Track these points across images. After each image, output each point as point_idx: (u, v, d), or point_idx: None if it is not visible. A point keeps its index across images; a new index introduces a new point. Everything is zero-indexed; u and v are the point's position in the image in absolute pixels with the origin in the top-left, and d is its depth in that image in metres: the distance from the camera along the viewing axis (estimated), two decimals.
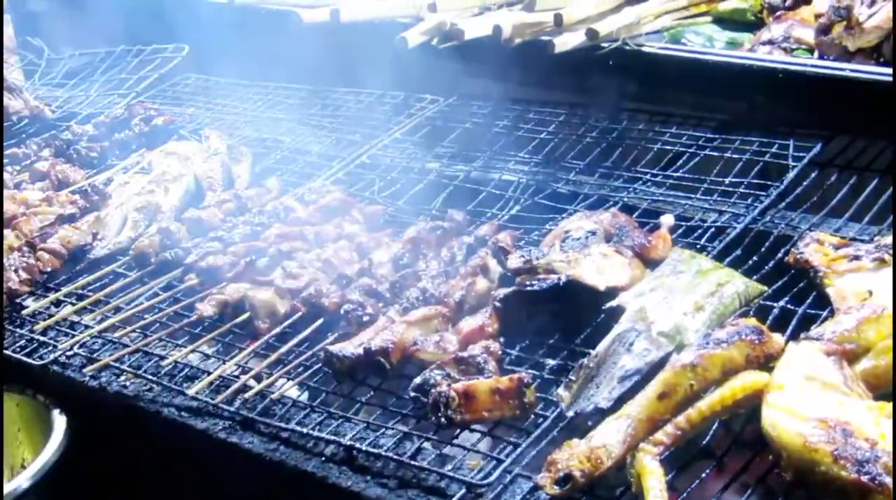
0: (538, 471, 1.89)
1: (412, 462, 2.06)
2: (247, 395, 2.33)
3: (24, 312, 2.78)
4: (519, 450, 2.02)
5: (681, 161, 3.07)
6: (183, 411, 2.37)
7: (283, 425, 2.24)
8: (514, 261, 2.48)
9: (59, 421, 2.47)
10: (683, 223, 2.72)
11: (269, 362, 2.42)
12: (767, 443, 1.82)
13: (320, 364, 2.35)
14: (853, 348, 1.95)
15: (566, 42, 3.33)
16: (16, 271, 2.88)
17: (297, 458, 2.18)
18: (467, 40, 3.45)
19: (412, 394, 2.16)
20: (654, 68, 3.34)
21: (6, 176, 3.48)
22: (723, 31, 3.67)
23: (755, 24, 3.64)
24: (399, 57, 3.54)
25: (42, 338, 2.66)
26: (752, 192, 2.82)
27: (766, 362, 1.99)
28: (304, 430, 2.20)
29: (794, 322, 2.23)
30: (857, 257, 2.32)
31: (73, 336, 2.63)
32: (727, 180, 2.90)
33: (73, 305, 2.78)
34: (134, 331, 2.62)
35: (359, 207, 3.01)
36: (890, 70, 2.92)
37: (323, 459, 2.16)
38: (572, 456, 1.86)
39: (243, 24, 4.17)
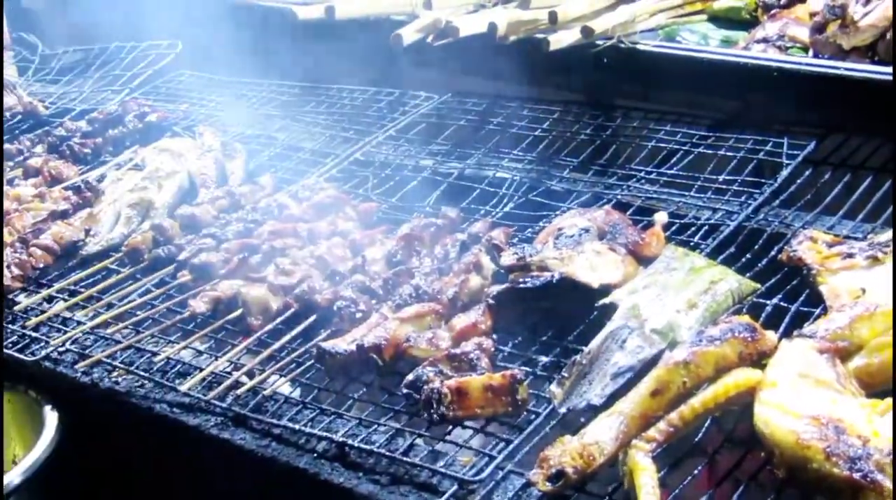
0: (530, 468, 1.89)
1: (404, 459, 2.06)
2: (239, 391, 2.33)
3: (16, 308, 2.78)
4: (511, 447, 2.01)
5: (675, 159, 3.07)
6: (175, 407, 2.37)
7: (275, 421, 2.24)
8: (508, 258, 2.48)
9: (51, 417, 2.47)
10: (677, 221, 2.71)
11: (262, 358, 2.42)
12: (760, 440, 1.82)
13: (313, 361, 2.34)
14: (846, 346, 1.94)
15: (561, 40, 3.32)
16: (8, 267, 2.88)
17: (290, 454, 2.17)
18: (462, 38, 3.44)
19: (405, 391, 2.16)
20: (649, 66, 3.34)
21: None
22: (717, 30, 3.67)
23: (750, 23, 3.64)
24: (394, 54, 3.54)
25: (34, 334, 2.66)
26: (745, 189, 2.82)
27: (758, 360, 1.98)
28: (297, 426, 2.20)
29: (787, 320, 2.23)
30: (850, 255, 2.31)
31: (66, 332, 2.63)
32: (721, 178, 2.89)
33: (66, 301, 2.78)
34: (126, 327, 2.62)
35: (352, 205, 3.01)
36: (884, 69, 2.92)
37: (315, 455, 2.16)
38: (565, 453, 1.86)
39: (238, 21, 4.16)
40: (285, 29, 3.83)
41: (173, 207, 3.16)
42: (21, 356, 2.58)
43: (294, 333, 2.48)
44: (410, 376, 2.16)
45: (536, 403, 2.12)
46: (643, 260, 2.46)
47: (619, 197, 2.91)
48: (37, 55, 4.85)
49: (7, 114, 4.08)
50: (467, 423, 2.10)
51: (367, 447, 2.10)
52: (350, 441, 2.12)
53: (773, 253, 2.47)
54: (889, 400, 1.79)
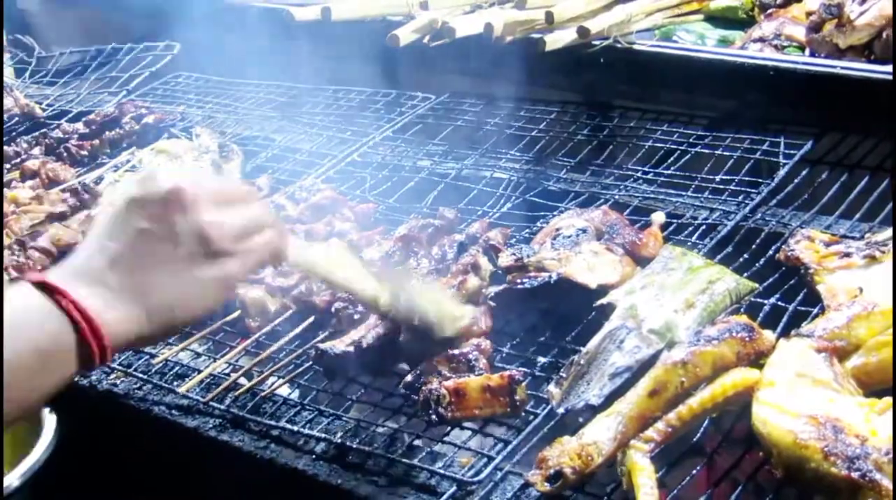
0: (529, 468, 1.89)
1: (403, 460, 2.06)
2: (237, 393, 2.33)
3: None
4: (510, 447, 2.01)
5: (672, 158, 3.07)
6: (173, 409, 2.37)
7: (273, 423, 2.24)
8: (505, 259, 2.48)
9: (49, 420, 2.46)
10: (674, 221, 2.72)
11: (260, 359, 2.42)
12: (758, 440, 1.82)
13: (311, 362, 2.34)
14: (844, 345, 1.95)
15: (557, 40, 3.33)
16: (6, 269, 2.87)
17: (288, 456, 2.18)
18: (458, 38, 3.45)
19: (403, 392, 2.16)
20: (645, 66, 3.34)
21: None
22: (714, 29, 3.67)
23: (746, 22, 3.64)
24: (390, 55, 3.54)
25: None
26: (742, 189, 2.82)
27: (756, 359, 1.99)
28: (295, 428, 2.21)
29: (784, 319, 2.23)
30: (847, 254, 2.32)
31: None
32: (718, 178, 2.89)
33: None
34: None
35: (350, 206, 3.00)
36: (881, 67, 2.92)
37: (313, 456, 2.16)
38: (563, 453, 1.86)
39: (235, 22, 4.17)
40: (282, 30, 3.83)
41: None
42: None
43: (292, 334, 2.48)
44: (409, 378, 2.16)
45: (535, 403, 2.12)
46: (641, 260, 2.46)
47: (616, 197, 2.91)
48: (33, 57, 4.85)
49: (4, 116, 4.08)
50: (466, 424, 2.10)
51: (366, 448, 2.10)
52: (348, 442, 2.13)
53: (770, 252, 2.47)
54: (887, 399, 1.80)
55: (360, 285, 2.03)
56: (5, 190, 3.35)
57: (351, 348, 2.26)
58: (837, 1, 3.14)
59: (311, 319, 2.51)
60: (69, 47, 4.88)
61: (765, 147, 2.97)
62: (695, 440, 1.97)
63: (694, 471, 1.91)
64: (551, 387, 2.07)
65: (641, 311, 2.18)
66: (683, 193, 2.87)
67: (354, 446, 2.11)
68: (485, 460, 2.01)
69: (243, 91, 4.09)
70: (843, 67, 2.97)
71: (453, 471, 2.00)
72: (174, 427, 2.33)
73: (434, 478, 2.02)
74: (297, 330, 2.48)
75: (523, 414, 2.09)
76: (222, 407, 2.31)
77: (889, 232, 2.39)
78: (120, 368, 2.49)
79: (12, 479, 2.30)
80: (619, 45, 3.31)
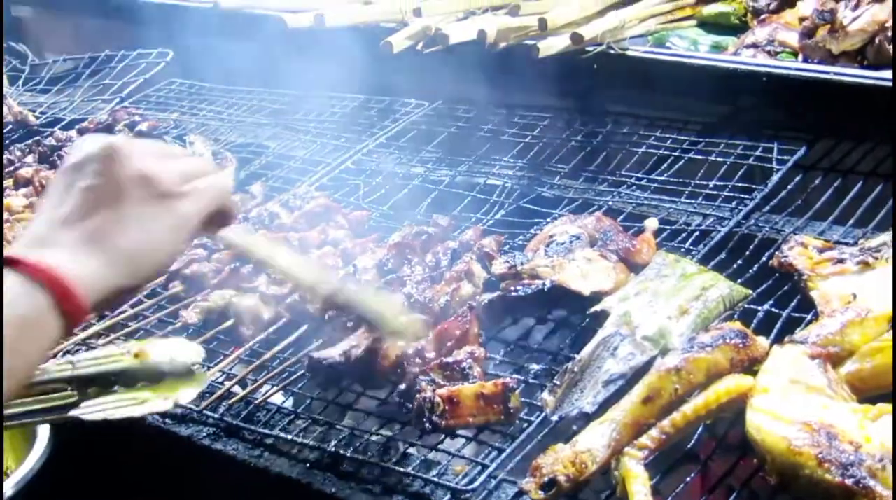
0: (523, 476, 1.89)
1: (397, 468, 2.06)
2: (231, 401, 2.33)
3: None
4: (503, 455, 2.01)
5: (665, 165, 3.07)
6: (167, 417, 2.36)
7: (267, 431, 2.24)
8: (499, 266, 2.48)
9: (43, 429, 2.46)
10: (668, 227, 2.72)
11: (254, 368, 2.42)
12: (752, 447, 1.82)
13: (304, 370, 2.34)
14: (837, 351, 1.95)
15: (551, 46, 3.33)
16: None
17: (282, 464, 2.17)
18: (452, 45, 3.45)
19: (397, 400, 2.16)
20: (639, 72, 3.34)
21: None
22: (707, 35, 3.67)
23: (739, 28, 3.64)
24: (384, 62, 3.54)
25: None
26: (736, 195, 2.82)
27: (750, 366, 1.99)
28: (289, 436, 2.20)
29: (778, 325, 2.23)
30: (841, 260, 2.32)
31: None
32: (711, 184, 2.90)
33: None
34: (118, 338, 2.61)
35: (343, 213, 3.00)
36: (873, 73, 2.92)
37: (307, 465, 2.15)
38: (557, 461, 1.86)
39: (228, 29, 4.16)
40: (275, 37, 3.82)
41: None
42: None
43: (286, 342, 2.48)
44: (402, 386, 2.16)
45: (529, 411, 2.12)
46: (634, 267, 2.46)
47: (609, 203, 2.91)
48: (27, 65, 4.84)
49: None
50: (460, 432, 2.10)
51: (360, 456, 2.10)
52: (342, 451, 2.12)
53: (764, 259, 2.47)
54: (881, 405, 1.80)
55: (300, 271, 2.02)
56: None
57: (343, 357, 2.25)
58: (830, 7, 3.15)
59: (305, 327, 2.51)
60: (62, 55, 4.87)
61: (758, 153, 2.97)
62: (689, 446, 1.97)
63: (688, 478, 1.91)
64: (545, 395, 2.07)
65: (635, 318, 2.18)
66: (677, 200, 2.88)
67: (348, 454, 2.11)
68: (479, 468, 2.01)
69: (237, 98, 4.09)
70: (836, 73, 2.97)
71: (447, 479, 2.00)
72: (168, 436, 2.33)
73: (428, 486, 2.02)
74: (291, 338, 2.48)
75: (517, 422, 2.09)
76: (216, 416, 2.30)
77: (883, 237, 2.39)
78: None
79: (6, 488, 2.30)
80: (612, 52, 3.31)
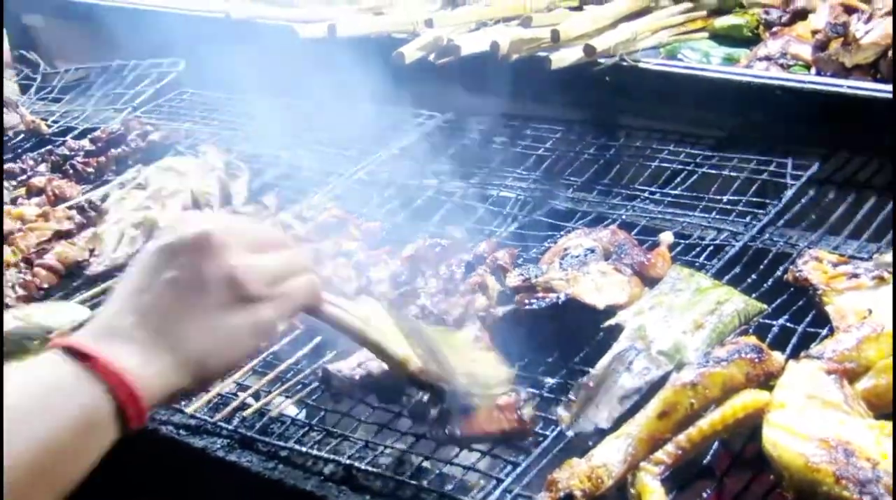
0: (539, 491, 1.89)
1: (412, 482, 2.05)
2: (245, 413, 2.32)
3: None
4: (519, 469, 2.01)
5: (679, 178, 3.07)
6: (181, 429, 2.36)
7: (281, 443, 2.23)
8: (513, 279, 2.48)
9: None
10: (682, 241, 2.71)
11: (268, 380, 2.42)
12: (768, 463, 1.82)
13: (318, 382, 2.34)
14: (853, 367, 1.95)
15: (563, 58, 3.33)
16: (13, 287, 2.87)
17: (296, 477, 2.17)
18: (464, 56, 3.45)
19: (412, 412, 2.15)
20: (651, 84, 3.34)
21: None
22: (719, 47, 3.67)
23: (752, 40, 3.64)
24: (396, 72, 3.54)
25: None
26: (750, 210, 2.83)
27: (766, 381, 1.99)
28: (303, 449, 2.20)
29: (793, 340, 2.23)
30: (856, 275, 2.32)
31: None
32: (725, 198, 2.90)
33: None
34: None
35: (357, 224, 3.00)
36: (887, 86, 2.92)
37: (322, 478, 2.15)
38: (573, 475, 1.85)
39: (240, 39, 4.17)
40: (287, 47, 3.83)
41: None
42: None
43: (300, 354, 2.48)
44: (417, 398, 2.15)
45: (543, 425, 2.12)
46: (649, 281, 2.46)
47: (623, 217, 2.91)
48: (39, 73, 4.85)
49: (10, 132, 4.08)
50: (475, 445, 2.10)
51: (375, 469, 2.10)
52: (357, 464, 2.12)
53: (778, 273, 2.47)
54: None
55: (390, 346, 1.90)
56: (11, 207, 3.35)
57: (357, 371, 2.25)
58: (843, 20, 3.15)
59: (319, 338, 2.50)
60: (74, 64, 4.88)
61: (771, 167, 2.97)
62: (705, 462, 1.96)
63: (704, 494, 1.91)
64: (560, 410, 2.07)
65: (650, 332, 2.18)
66: (691, 214, 2.87)
67: (363, 467, 2.11)
68: (494, 482, 2.00)
69: (249, 108, 4.09)
70: (849, 86, 2.97)
71: (463, 494, 1.99)
72: (182, 447, 2.32)
73: None
74: (305, 350, 2.48)
75: (532, 436, 2.09)
76: (230, 427, 2.30)
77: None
78: None
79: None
80: (624, 64, 3.32)
